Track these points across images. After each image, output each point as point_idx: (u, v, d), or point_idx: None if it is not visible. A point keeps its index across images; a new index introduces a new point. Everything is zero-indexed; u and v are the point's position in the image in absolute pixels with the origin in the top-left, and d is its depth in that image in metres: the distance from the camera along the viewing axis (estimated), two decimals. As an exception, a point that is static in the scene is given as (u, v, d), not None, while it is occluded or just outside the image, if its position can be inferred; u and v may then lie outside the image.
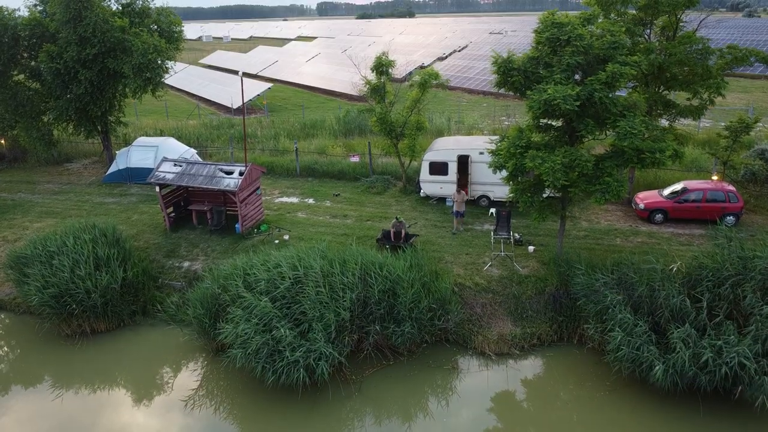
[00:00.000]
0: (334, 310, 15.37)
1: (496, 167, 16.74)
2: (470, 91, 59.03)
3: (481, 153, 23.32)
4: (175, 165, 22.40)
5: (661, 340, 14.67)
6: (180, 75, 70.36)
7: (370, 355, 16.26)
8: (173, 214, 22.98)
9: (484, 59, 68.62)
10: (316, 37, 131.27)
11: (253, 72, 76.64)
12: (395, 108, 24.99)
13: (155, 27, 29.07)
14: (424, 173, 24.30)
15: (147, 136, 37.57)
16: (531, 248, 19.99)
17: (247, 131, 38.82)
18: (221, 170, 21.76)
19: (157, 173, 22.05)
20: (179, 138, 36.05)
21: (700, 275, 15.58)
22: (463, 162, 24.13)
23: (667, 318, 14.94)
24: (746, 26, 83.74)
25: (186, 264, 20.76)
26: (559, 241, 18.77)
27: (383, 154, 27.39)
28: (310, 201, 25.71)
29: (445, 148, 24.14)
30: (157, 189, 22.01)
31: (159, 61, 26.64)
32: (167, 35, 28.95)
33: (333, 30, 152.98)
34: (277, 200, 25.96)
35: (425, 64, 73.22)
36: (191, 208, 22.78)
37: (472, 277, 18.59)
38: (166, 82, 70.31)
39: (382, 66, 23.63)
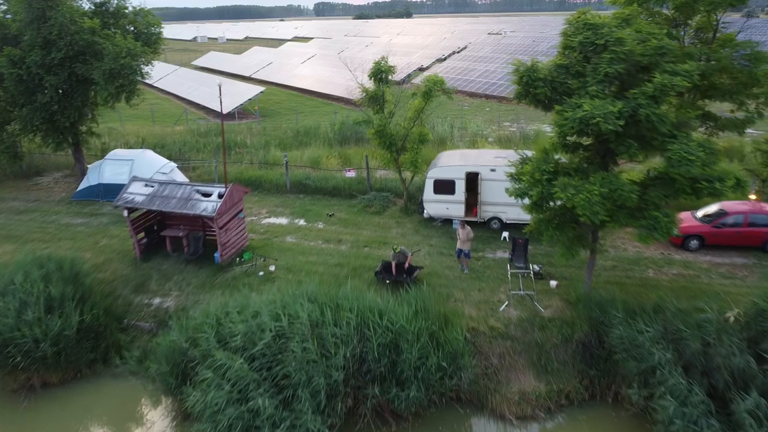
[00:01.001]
0: (324, 371, 12.73)
1: (518, 195, 14.12)
2: (472, 95, 56.49)
3: (493, 170, 20.74)
4: (146, 185, 19.73)
5: (722, 409, 12.07)
6: (170, 77, 67.74)
7: (368, 422, 13.63)
8: (145, 241, 20.32)
9: (484, 61, 66.22)
10: (312, 38, 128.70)
11: (247, 74, 74.04)
12: (395, 116, 22.35)
13: (132, 29, 26.38)
14: (428, 192, 21.69)
15: (127, 144, 34.99)
16: (553, 283, 17.37)
17: (236, 140, 36.24)
18: (198, 192, 19.11)
19: (125, 195, 19.38)
20: (162, 147, 33.46)
21: (763, 326, 12.99)
22: (472, 179, 21.53)
23: (726, 381, 12.34)
24: None
25: (156, 301, 18.09)
26: (587, 278, 16.16)
27: (382, 166, 24.77)
28: (301, 222, 23.06)
29: (452, 164, 21.52)
30: (125, 213, 19.34)
31: (134, 66, 23.94)
32: (145, 38, 26.26)
33: (330, 31, 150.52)
34: (264, 221, 23.31)
35: (424, 66, 70.75)
36: (165, 234, 20.12)
37: (487, 320, 15.98)
38: (155, 85, 67.96)
39: (381, 72, 20.99)
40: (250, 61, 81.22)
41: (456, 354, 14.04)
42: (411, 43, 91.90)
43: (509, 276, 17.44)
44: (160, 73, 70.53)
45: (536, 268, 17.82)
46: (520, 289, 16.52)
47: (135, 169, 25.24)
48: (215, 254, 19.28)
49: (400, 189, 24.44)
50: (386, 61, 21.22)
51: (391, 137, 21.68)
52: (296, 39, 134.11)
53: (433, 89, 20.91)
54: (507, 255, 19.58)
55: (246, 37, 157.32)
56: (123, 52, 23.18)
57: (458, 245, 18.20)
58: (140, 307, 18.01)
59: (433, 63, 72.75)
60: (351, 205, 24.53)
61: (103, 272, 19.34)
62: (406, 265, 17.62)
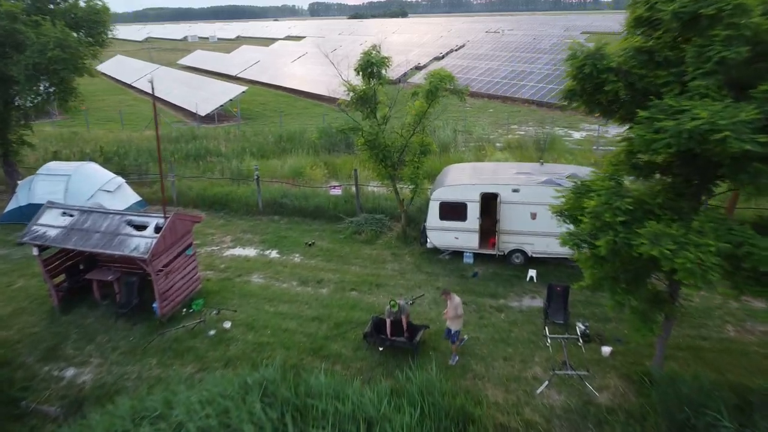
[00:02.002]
0: None
1: (574, 245, 9.48)
2: (473, 95, 51.80)
3: (516, 190, 16.15)
4: (63, 214, 15.06)
5: None
6: (149, 77, 62.91)
7: None
8: (66, 285, 15.66)
9: (485, 59, 61.82)
10: (305, 37, 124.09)
11: (233, 73, 69.43)
12: (389, 121, 17.69)
13: (72, 16, 21.70)
14: (433, 217, 17.08)
15: (82, 153, 30.25)
16: (606, 350, 12.77)
17: (209, 146, 31.60)
18: (130, 223, 14.45)
19: (34, 228, 14.72)
20: (122, 155, 28.82)
21: None
22: (488, 201, 16.94)
23: None
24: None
25: (70, 372, 13.36)
26: (659, 351, 11.52)
27: (375, 179, 20.14)
28: (273, 254, 18.40)
29: (463, 182, 16.91)
30: (35, 251, 14.70)
31: (66, 61, 19.25)
32: (87, 27, 21.61)
33: (324, 30, 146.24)
34: (227, 253, 18.65)
35: (421, 64, 66.35)
36: (90, 278, 15.45)
37: (520, 409, 11.36)
38: (134, 85, 63.30)
39: (371, 65, 16.28)
40: (237, 60, 76.62)
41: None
42: (407, 41, 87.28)
43: (547, 341, 12.82)
44: (139, 73, 66.08)
45: (582, 326, 13.20)
46: (566, 366, 11.86)
47: (72, 187, 20.61)
48: (154, 305, 14.63)
49: (396, 210, 19.83)
50: (378, 51, 16.54)
51: (385, 149, 17.04)
52: (289, 38, 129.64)
53: (440, 87, 16.26)
54: (537, 302, 15.00)
55: (237, 37, 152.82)
56: (51, 43, 18.51)
57: (447, 324, 12.80)
58: (47, 382, 13.28)
59: (431, 61, 68.34)
60: (336, 230, 19.89)
61: (7, 329, 14.70)
62: (405, 323, 13.03)
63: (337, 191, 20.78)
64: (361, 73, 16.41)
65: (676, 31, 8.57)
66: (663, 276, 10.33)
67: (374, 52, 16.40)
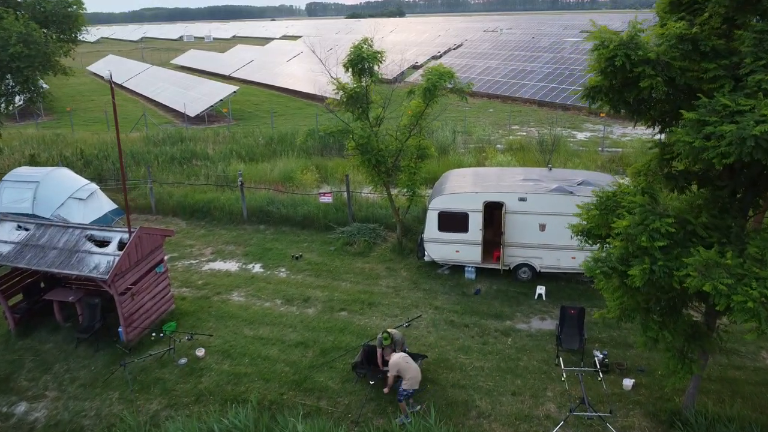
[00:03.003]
0: None
1: (602, 273, 7.89)
2: (472, 95, 50.20)
3: (523, 199, 14.61)
4: (18, 228, 13.48)
5: None
6: (141, 77, 61.48)
7: None
8: (24, 305, 14.10)
9: (484, 57, 60.39)
10: (301, 36, 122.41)
11: (226, 73, 67.93)
12: (383, 123, 16.11)
13: (41, 10, 20.11)
14: (431, 228, 15.52)
15: (62, 157, 28.61)
16: (628, 383, 11.22)
17: (195, 149, 30.02)
18: (91, 239, 12.89)
19: (-16, 243, 13.15)
20: (102, 159, 27.20)
21: None
22: (492, 210, 15.41)
23: None
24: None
25: (21, 408, 11.76)
26: (692, 388, 9.97)
27: (369, 188, 18.62)
28: (257, 269, 16.84)
29: (464, 190, 15.36)
30: (-14, 270, 13.17)
31: (32, 58, 17.67)
32: (58, 22, 20.03)
33: (320, 29, 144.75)
34: (206, 267, 17.07)
35: (419, 63, 64.78)
36: (50, 298, 13.87)
37: (532, 456, 9.83)
38: (124, 85, 61.67)
39: (363, 60, 14.67)
40: (230, 59, 75.07)
41: None
42: (404, 41, 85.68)
43: (563, 375, 11.27)
44: (130, 73, 64.50)
45: (599, 355, 11.64)
46: (585, 404, 10.29)
47: (41, 194, 19.01)
48: (119, 329, 13.06)
49: (391, 219, 18.28)
50: (371, 45, 14.93)
51: (378, 153, 15.47)
52: (285, 37, 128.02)
53: (438, 85, 14.69)
54: (547, 323, 13.47)
55: (233, 36, 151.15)
56: (13, 38, 16.93)
57: (403, 385, 10.38)
58: (-5, 419, 11.74)
59: (429, 60, 66.82)
60: (326, 240, 18.32)
61: (-44, 357, 13.14)
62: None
63: (327, 198, 19.22)
64: (351, 69, 14.80)
65: (725, 14, 7.02)
66: (699, 304, 8.84)
67: (365, 45, 14.81)
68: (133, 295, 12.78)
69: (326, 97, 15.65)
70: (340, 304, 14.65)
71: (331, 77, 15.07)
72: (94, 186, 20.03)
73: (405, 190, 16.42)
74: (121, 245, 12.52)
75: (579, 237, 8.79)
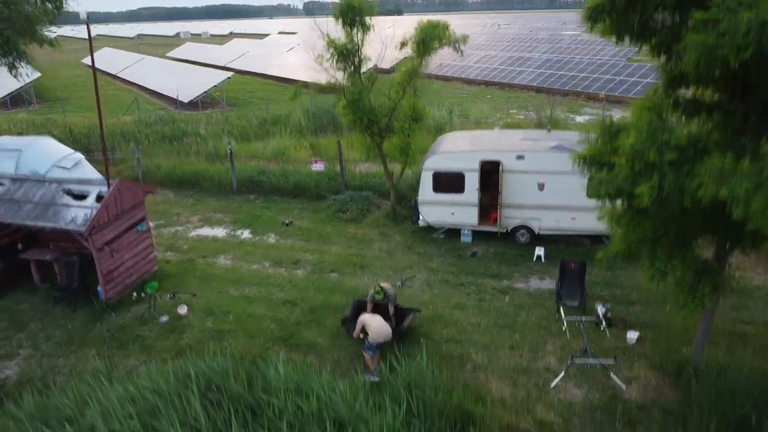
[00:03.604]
0: None
1: (606, 195, 7.30)
2: (469, 82, 49.90)
3: (521, 157, 14.04)
4: (-7, 183, 12.91)
5: None
6: (135, 67, 60.96)
7: None
8: (0, 266, 13.49)
9: (482, 48, 59.95)
10: (297, 33, 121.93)
11: (221, 64, 67.10)
12: (377, 83, 15.53)
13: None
14: (426, 190, 14.94)
15: (51, 135, 27.97)
16: (633, 336, 10.66)
17: (186, 129, 29.41)
18: (69, 193, 12.29)
19: (-44, 198, 12.55)
20: (90, 136, 26.64)
21: None
22: (489, 171, 14.84)
23: None
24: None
25: (-8, 366, 11.23)
26: (700, 335, 9.39)
27: (363, 159, 18.07)
28: (245, 235, 16.25)
29: (460, 149, 14.80)
30: (-42, 226, 12.57)
31: (12, 19, 17.06)
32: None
33: (318, 26, 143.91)
34: (192, 233, 16.48)
35: (417, 54, 64.05)
36: (26, 257, 13.26)
37: (531, 406, 9.23)
38: (119, 75, 61.08)
39: (354, 10, 14.04)
40: (227, 51, 74.40)
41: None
42: (402, 35, 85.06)
43: (563, 324, 10.68)
44: (125, 64, 63.98)
45: (602, 309, 11.05)
46: (587, 353, 9.71)
47: (24, 163, 18.29)
48: (98, 288, 12.46)
49: (385, 187, 17.70)
50: None
51: (370, 112, 14.89)
52: (282, 33, 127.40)
53: (434, 35, 14.05)
54: (547, 283, 12.91)
55: (230, 33, 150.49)
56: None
57: (370, 338, 9.82)
58: (-34, 378, 11.14)
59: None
60: (318, 209, 17.74)
61: (-72, 317, 12.53)
62: (392, 309, 10.90)
63: (320, 166, 18.63)
64: (340, 19, 14.15)
65: None
66: (711, 240, 8.26)
67: None
68: (112, 251, 12.18)
69: (326, 86, 14.99)
70: (330, 266, 14.08)
71: (322, 33, 14.44)
72: (79, 155, 19.34)
73: (399, 155, 15.80)
74: (99, 199, 11.93)
75: (579, 164, 8.16)
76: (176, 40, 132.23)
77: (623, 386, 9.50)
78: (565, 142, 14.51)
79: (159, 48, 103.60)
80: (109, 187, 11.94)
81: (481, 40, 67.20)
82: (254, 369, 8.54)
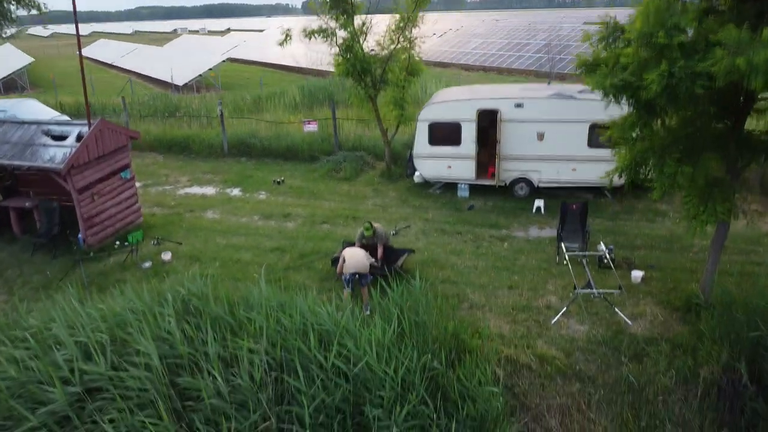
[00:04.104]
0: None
1: (612, 87, 6.73)
2: (468, 68, 49.40)
3: (519, 105, 13.53)
4: (-31, 126, 12.37)
5: None
6: (131, 55, 60.55)
7: None
8: (-22, 216, 12.97)
9: (481, 36, 59.47)
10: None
11: (218, 54, 66.69)
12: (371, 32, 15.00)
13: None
14: (421, 143, 14.43)
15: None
16: (638, 275, 10.15)
17: (179, 106, 28.87)
18: (48, 134, 11.76)
19: (-70, 140, 12.00)
20: (81, 110, 26.07)
21: None
22: (486, 122, 14.32)
23: None
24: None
25: (-36, 311, 10.68)
26: (710, 265, 8.89)
27: (356, 113, 17.53)
28: (235, 192, 15.73)
29: (456, 98, 14.30)
30: (-67, 170, 12.02)
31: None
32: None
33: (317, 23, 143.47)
34: (181, 192, 15.95)
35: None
36: (5, 205, 12.73)
37: (531, 342, 8.72)
38: (114, 64, 60.55)
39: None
40: (224, 42, 73.83)
41: (483, 418, 6.73)
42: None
43: (566, 260, 10.14)
44: (121, 53, 63.59)
45: (604, 249, 10.50)
46: (590, 286, 9.19)
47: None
48: (79, 235, 11.93)
49: (379, 148, 17.19)
50: None
51: (363, 61, 14.37)
52: (280, 29, 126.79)
53: None
54: (546, 232, 12.40)
55: (228, 29, 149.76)
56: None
57: (350, 268, 9.48)
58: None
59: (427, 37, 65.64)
60: (311, 169, 17.22)
61: None
62: (380, 249, 10.38)
63: (312, 127, 18.11)
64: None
65: None
66: (721, 158, 7.74)
67: None
68: (93, 195, 11.65)
69: (322, 71, 14.54)
70: (322, 218, 13.57)
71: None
72: (65, 117, 18.85)
73: (393, 108, 15.28)
74: (79, 138, 11.40)
75: (580, 69, 7.60)
76: (173, 35, 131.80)
77: (629, 322, 8.99)
78: (566, 91, 14.02)
79: (156, 42, 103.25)
80: (90, 127, 11.40)
81: (480, 30, 66.66)
82: (235, 291, 8.03)
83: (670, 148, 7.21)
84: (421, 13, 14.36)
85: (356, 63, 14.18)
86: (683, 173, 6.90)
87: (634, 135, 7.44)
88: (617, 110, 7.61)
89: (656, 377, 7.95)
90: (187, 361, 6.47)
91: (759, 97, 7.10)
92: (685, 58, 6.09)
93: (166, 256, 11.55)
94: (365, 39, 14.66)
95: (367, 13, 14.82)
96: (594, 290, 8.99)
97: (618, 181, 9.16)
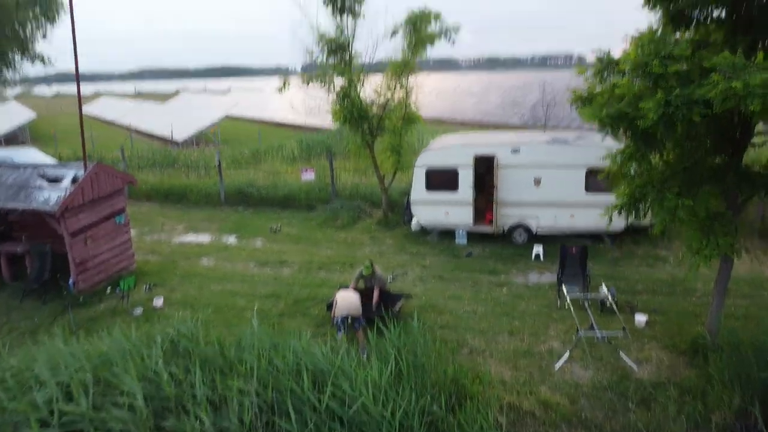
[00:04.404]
0: None
1: (608, 118, 6.69)
2: (464, 124, 50.22)
3: (516, 151, 13.60)
4: (-35, 171, 12.33)
5: None
6: (131, 113, 61.59)
7: None
8: (-32, 262, 12.74)
9: (477, 95, 60.98)
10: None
11: (218, 111, 67.96)
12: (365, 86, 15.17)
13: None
14: (418, 189, 14.41)
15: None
16: (642, 319, 9.90)
17: (178, 158, 29.06)
18: (45, 176, 11.71)
19: (-76, 185, 11.92)
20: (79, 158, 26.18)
21: None
22: (483, 168, 14.36)
23: None
24: None
25: (-53, 358, 10.29)
26: (715, 306, 8.67)
27: (353, 163, 17.58)
28: (231, 240, 15.57)
29: (453, 144, 14.38)
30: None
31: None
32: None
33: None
34: (176, 239, 15.79)
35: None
36: (-2, 250, 12.55)
37: (534, 388, 8.38)
38: (116, 121, 61.55)
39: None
40: (223, 100, 75.39)
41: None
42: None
43: (567, 302, 9.90)
44: (123, 110, 64.80)
45: (607, 292, 10.27)
46: (593, 329, 8.92)
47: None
48: (70, 281, 11.69)
49: (376, 196, 17.18)
50: None
51: (360, 108, 14.53)
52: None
53: (425, 18, 13.73)
54: (546, 277, 12.19)
55: (229, 88, 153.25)
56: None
57: (340, 311, 9.26)
58: None
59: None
60: (308, 217, 17.14)
61: None
62: (376, 292, 10.16)
63: (310, 175, 18.16)
64: (330, 6, 13.84)
65: None
66: (721, 191, 7.66)
67: None
68: (86, 238, 11.49)
69: (322, 128, 14.79)
70: (318, 265, 13.37)
71: (311, 26, 14.18)
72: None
73: (390, 155, 15.35)
74: (74, 181, 11.34)
75: (574, 104, 7.59)
76: (175, 95, 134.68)
77: (634, 366, 8.69)
78: (561, 137, 14.14)
79: (157, 101, 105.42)
80: (85, 170, 11.37)
81: (476, 89, 68.39)
82: (227, 332, 7.77)
83: (668, 182, 7.14)
84: (418, 60, 14.52)
85: (353, 110, 14.32)
86: (684, 206, 6.80)
87: (632, 171, 7.40)
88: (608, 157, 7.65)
89: (666, 424, 7.60)
90: (174, 402, 6.16)
91: (755, 131, 7.11)
92: (681, 87, 6.11)
93: (158, 301, 11.28)
94: (362, 86, 14.84)
95: (365, 72, 15.03)
96: (597, 333, 8.72)
97: (618, 224, 9.08)
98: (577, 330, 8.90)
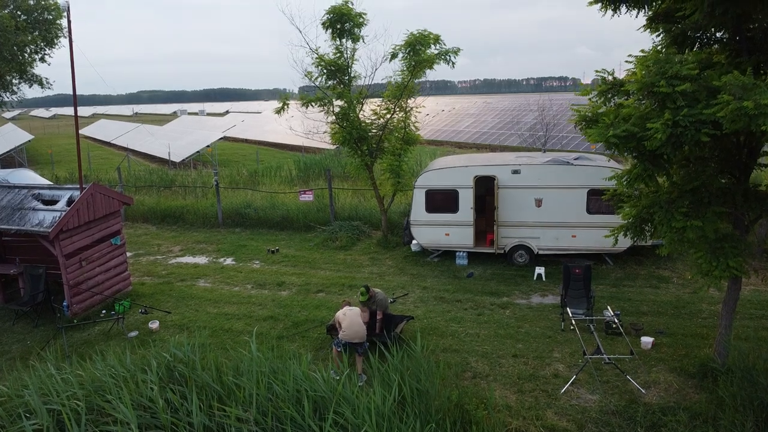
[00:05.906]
0: None
1: (615, 138, 6.60)
2: (461, 146, 50.48)
3: (516, 171, 13.51)
4: (-41, 191, 12.15)
5: None
6: (130, 134, 61.63)
7: None
8: (-40, 284, 12.50)
9: (473, 116, 61.22)
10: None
11: (215, 132, 68.09)
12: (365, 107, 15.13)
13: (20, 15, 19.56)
14: (418, 210, 14.28)
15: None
16: (648, 341, 9.69)
17: (175, 179, 28.95)
18: (39, 198, 11.55)
19: None
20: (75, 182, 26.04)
21: None
22: (483, 189, 14.25)
23: None
24: None
25: (-65, 384, 10.00)
26: (723, 327, 8.49)
27: (353, 181, 17.48)
28: (228, 262, 15.36)
29: (453, 165, 14.29)
30: None
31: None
32: (40, 25, 19.45)
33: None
34: (172, 261, 15.58)
35: (410, 122, 65.30)
36: (-10, 273, 12.32)
37: (540, 413, 8.15)
38: (112, 142, 61.56)
39: (342, 17, 13.79)
40: (220, 122, 75.60)
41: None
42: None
43: (572, 325, 9.72)
44: (120, 132, 64.86)
45: (612, 314, 10.10)
46: (599, 351, 8.71)
47: (1, 195, 17.67)
48: (64, 303, 11.45)
49: (375, 217, 17.04)
50: (352, 3, 13.93)
51: (360, 129, 14.44)
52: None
53: (425, 42, 13.73)
54: (549, 299, 12.00)
55: (227, 111, 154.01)
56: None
57: (344, 336, 8.98)
58: None
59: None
60: (307, 239, 16.96)
61: None
62: (379, 322, 9.95)
63: (308, 197, 18.01)
64: (330, 30, 13.84)
65: None
66: (729, 211, 7.55)
67: (344, 1, 13.70)
68: (81, 260, 11.28)
69: (320, 149, 14.68)
70: (317, 287, 13.15)
71: (311, 49, 14.20)
72: (59, 188, 18.71)
73: (389, 175, 15.25)
74: (69, 203, 11.17)
75: (578, 125, 7.50)
76: (173, 117, 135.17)
77: (642, 390, 8.47)
78: (561, 158, 14.07)
79: (155, 123, 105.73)
80: (81, 191, 11.21)
81: (473, 110, 68.67)
82: (223, 355, 7.54)
83: (676, 202, 7.02)
84: (416, 82, 14.51)
85: (353, 131, 14.23)
86: (692, 227, 6.67)
87: (637, 192, 7.29)
88: (613, 178, 7.54)
89: (677, 451, 7.37)
90: (169, 431, 5.92)
91: (762, 151, 7.02)
92: (688, 107, 6.02)
93: (154, 325, 11.03)
94: (361, 108, 14.79)
95: (364, 94, 14.99)
96: (604, 356, 8.52)
97: (621, 244, 8.96)
98: (584, 353, 8.70)
